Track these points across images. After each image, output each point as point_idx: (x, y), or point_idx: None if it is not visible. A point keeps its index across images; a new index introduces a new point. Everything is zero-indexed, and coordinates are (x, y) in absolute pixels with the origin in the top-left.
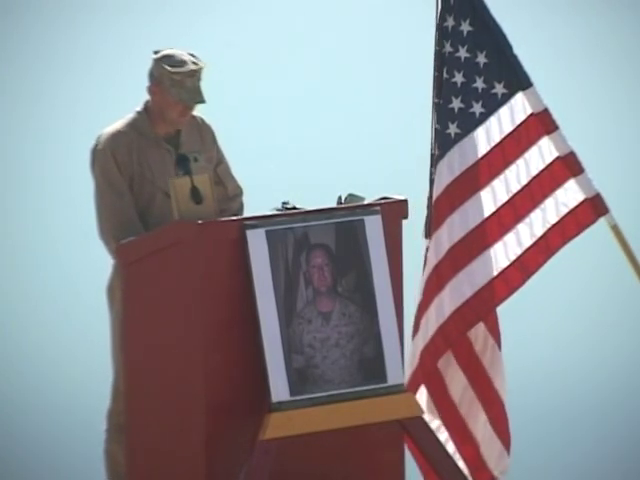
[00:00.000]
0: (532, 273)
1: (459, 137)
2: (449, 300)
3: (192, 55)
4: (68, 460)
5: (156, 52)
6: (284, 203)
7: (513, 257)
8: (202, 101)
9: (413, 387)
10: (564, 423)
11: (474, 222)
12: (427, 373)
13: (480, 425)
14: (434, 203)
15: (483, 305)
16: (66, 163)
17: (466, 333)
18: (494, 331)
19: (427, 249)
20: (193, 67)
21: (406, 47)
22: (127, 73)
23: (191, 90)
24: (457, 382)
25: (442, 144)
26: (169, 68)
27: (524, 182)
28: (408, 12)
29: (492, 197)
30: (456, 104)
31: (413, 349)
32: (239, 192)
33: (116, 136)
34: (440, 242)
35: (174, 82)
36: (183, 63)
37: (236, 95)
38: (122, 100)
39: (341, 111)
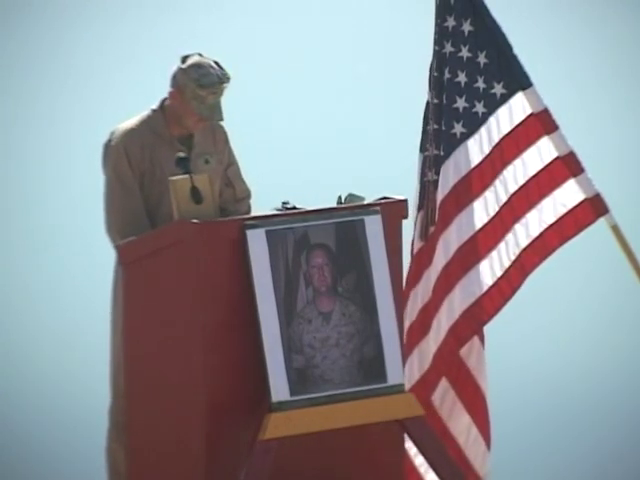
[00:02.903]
0: (528, 273)
1: (465, 137)
2: (459, 300)
3: (219, 66)
4: (69, 459)
5: (184, 58)
6: (284, 203)
7: (513, 257)
8: (221, 119)
9: (426, 389)
10: (563, 422)
11: (480, 222)
12: (440, 375)
13: (463, 427)
14: (441, 204)
15: (492, 304)
16: (67, 163)
17: (478, 332)
18: (479, 332)
19: (419, 251)
20: (218, 86)
21: (406, 47)
22: (129, 74)
23: (211, 107)
24: (438, 386)
25: (447, 144)
26: (195, 83)
27: (521, 182)
28: (408, 12)
29: (494, 197)
30: (460, 104)
31: (420, 353)
32: (247, 194)
33: (129, 133)
34: (449, 242)
35: (196, 96)
36: (209, 78)
37: (236, 95)
38: (124, 101)
39: (341, 111)
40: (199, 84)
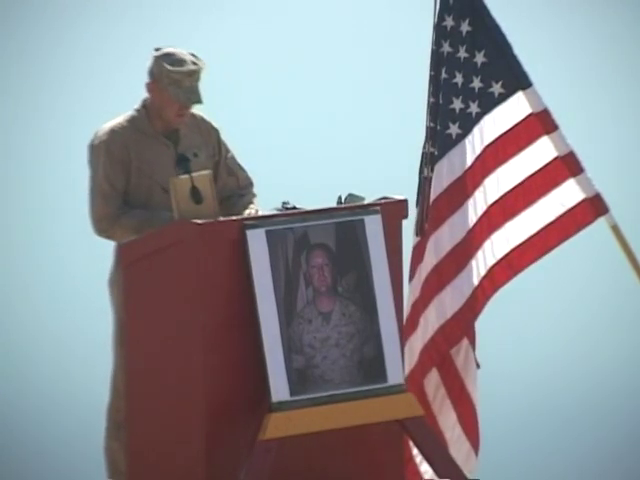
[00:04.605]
0: (519, 271)
1: (460, 137)
2: (451, 300)
3: (193, 55)
4: (69, 459)
5: (157, 49)
6: (284, 203)
7: (499, 255)
8: (199, 101)
9: (413, 385)
10: (563, 422)
11: (471, 222)
12: (425, 372)
13: (449, 424)
14: (433, 203)
15: (477, 303)
16: (67, 163)
17: (467, 332)
18: (469, 332)
19: (415, 247)
20: (192, 67)
21: (405, 47)
22: (128, 74)
23: (188, 90)
24: (432, 380)
25: (442, 144)
26: (168, 67)
27: (517, 181)
28: (408, 12)
29: (484, 197)
30: (457, 104)
31: (410, 348)
32: (249, 182)
33: (112, 132)
34: (441, 242)
35: (172, 81)
36: (183, 62)
37: (236, 95)
38: (123, 101)
39: (341, 111)
40: (173, 68)
